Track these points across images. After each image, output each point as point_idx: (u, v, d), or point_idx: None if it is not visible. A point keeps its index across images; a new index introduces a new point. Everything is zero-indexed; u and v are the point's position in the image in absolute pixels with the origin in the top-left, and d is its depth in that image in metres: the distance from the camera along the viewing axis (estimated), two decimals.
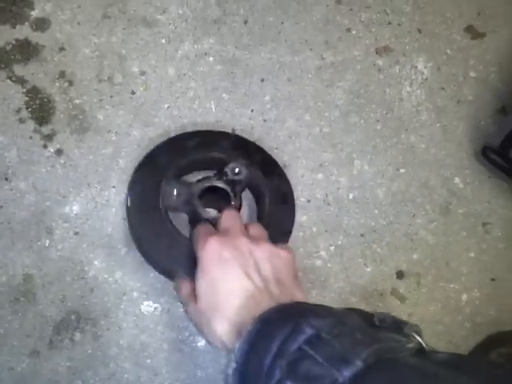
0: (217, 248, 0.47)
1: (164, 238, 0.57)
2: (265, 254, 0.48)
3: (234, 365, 0.39)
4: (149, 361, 0.61)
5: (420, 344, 0.38)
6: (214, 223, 0.54)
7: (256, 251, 0.47)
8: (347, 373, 0.32)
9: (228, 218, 0.53)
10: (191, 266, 0.51)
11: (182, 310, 0.62)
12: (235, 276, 0.45)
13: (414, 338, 0.38)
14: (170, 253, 0.57)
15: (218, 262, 0.46)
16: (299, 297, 0.47)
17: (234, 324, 0.44)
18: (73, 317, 0.60)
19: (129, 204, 0.60)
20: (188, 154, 0.62)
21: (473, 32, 0.77)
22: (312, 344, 0.35)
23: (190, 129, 0.67)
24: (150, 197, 0.58)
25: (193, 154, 0.62)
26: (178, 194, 0.58)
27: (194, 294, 0.48)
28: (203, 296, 0.46)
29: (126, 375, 0.60)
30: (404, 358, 0.35)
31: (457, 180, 0.72)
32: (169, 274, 0.59)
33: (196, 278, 0.48)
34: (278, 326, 0.38)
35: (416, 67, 0.74)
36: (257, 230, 0.53)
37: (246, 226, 0.53)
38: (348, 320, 0.39)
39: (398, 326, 0.39)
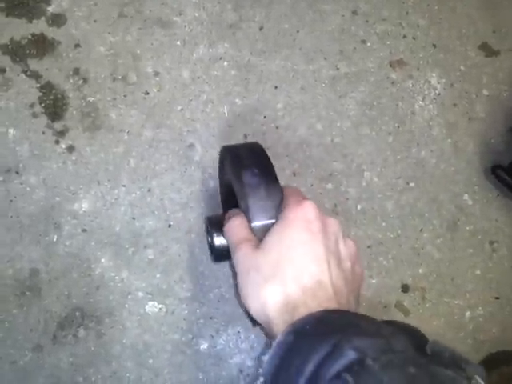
0: (311, 215, 0.43)
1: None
2: (351, 254, 0.46)
3: (261, 379, 0.36)
4: (151, 361, 0.66)
5: None
6: None
7: (345, 245, 0.45)
8: None
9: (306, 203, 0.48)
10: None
11: (186, 312, 0.67)
12: (317, 253, 0.42)
13: (477, 382, 0.34)
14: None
15: (305, 227, 0.43)
16: (353, 309, 0.44)
17: (288, 301, 0.40)
18: (77, 313, 0.65)
19: None
20: None
21: (487, 49, 0.83)
22: (355, 373, 0.31)
23: (201, 131, 0.73)
24: None
25: None
26: None
27: (249, 238, 0.45)
28: (272, 250, 0.42)
29: (127, 374, 0.65)
30: None
31: (465, 197, 0.77)
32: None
33: (274, 228, 0.44)
34: (314, 343, 0.35)
35: (429, 82, 0.80)
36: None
37: None
38: (397, 344, 0.35)
39: (457, 363, 0.35)
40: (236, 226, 0.47)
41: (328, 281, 0.41)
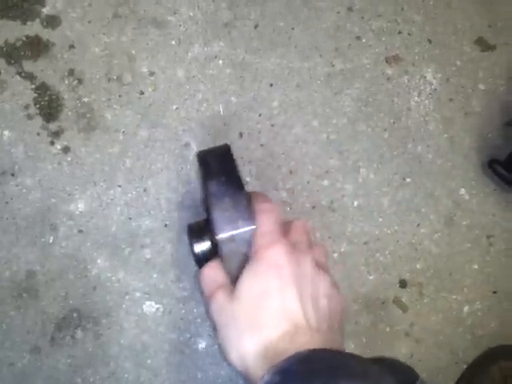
0: (282, 260, 0.43)
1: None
2: (326, 288, 0.44)
3: None
4: (149, 361, 0.65)
5: None
6: None
7: (318, 281, 0.44)
8: None
9: (300, 229, 0.49)
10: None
11: (183, 311, 0.67)
12: (290, 298, 0.41)
13: None
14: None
15: (277, 273, 0.42)
16: (338, 344, 0.43)
17: (268, 349, 0.39)
18: (75, 314, 0.65)
19: None
20: None
21: (483, 44, 0.82)
22: None
23: (197, 130, 0.72)
24: None
25: None
26: None
27: (223, 284, 0.45)
28: (245, 299, 0.42)
29: (126, 375, 0.64)
30: None
31: (462, 191, 0.77)
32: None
33: (245, 274, 0.43)
34: (303, 383, 0.34)
35: (425, 77, 0.79)
36: (321, 253, 0.49)
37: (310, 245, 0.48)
38: None
39: None
40: (208, 274, 0.47)
41: (305, 323, 0.41)
